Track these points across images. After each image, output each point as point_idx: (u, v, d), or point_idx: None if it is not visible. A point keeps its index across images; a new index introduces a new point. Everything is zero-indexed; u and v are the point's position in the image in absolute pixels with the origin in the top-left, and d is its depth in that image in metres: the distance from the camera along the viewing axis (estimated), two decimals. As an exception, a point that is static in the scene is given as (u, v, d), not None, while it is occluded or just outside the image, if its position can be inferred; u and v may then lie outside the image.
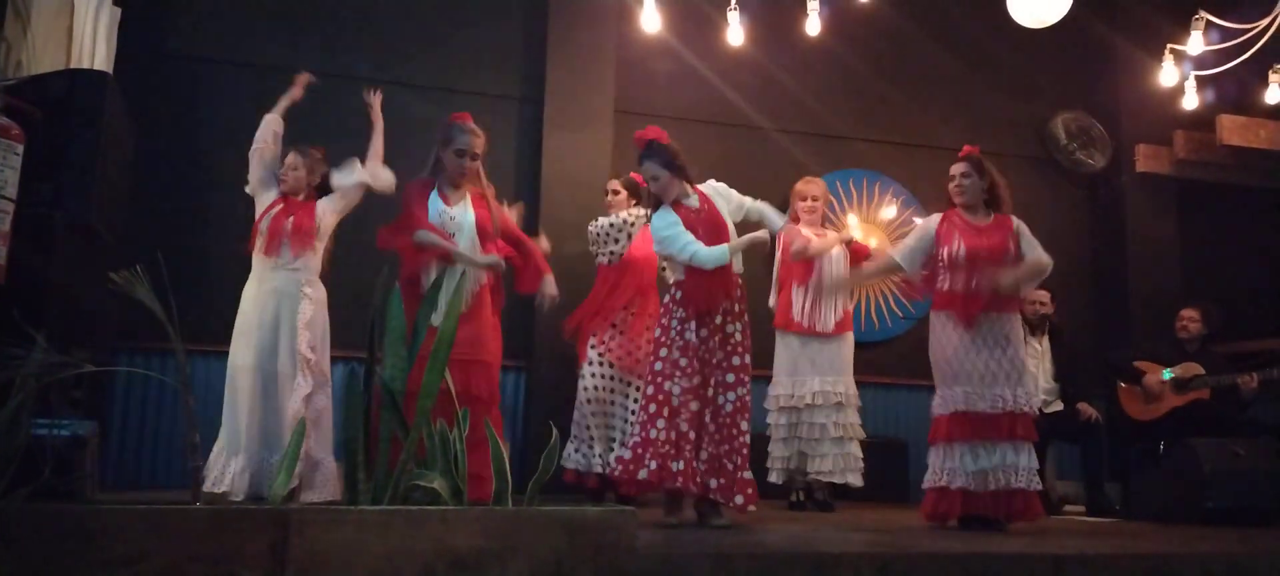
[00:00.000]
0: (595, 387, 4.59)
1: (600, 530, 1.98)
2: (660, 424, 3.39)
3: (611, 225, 4.65)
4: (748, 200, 3.74)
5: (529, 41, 6.03)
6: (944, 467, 3.77)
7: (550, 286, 3.85)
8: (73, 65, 4.37)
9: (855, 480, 4.53)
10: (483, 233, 3.64)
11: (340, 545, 1.80)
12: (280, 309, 3.95)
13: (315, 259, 4.09)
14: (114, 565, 1.69)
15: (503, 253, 3.74)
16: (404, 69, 5.78)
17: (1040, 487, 3.77)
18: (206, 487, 3.80)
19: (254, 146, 4.13)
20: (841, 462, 4.50)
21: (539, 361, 5.49)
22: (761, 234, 3.57)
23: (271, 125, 4.16)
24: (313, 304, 3.99)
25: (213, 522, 1.76)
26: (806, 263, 4.58)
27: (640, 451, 3.39)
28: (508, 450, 2.37)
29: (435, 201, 3.63)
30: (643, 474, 3.36)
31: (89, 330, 3.93)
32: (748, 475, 3.46)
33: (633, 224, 4.63)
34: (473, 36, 5.97)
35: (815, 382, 4.49)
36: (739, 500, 3.40)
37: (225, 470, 3.78)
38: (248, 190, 4.15)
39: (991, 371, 3.76)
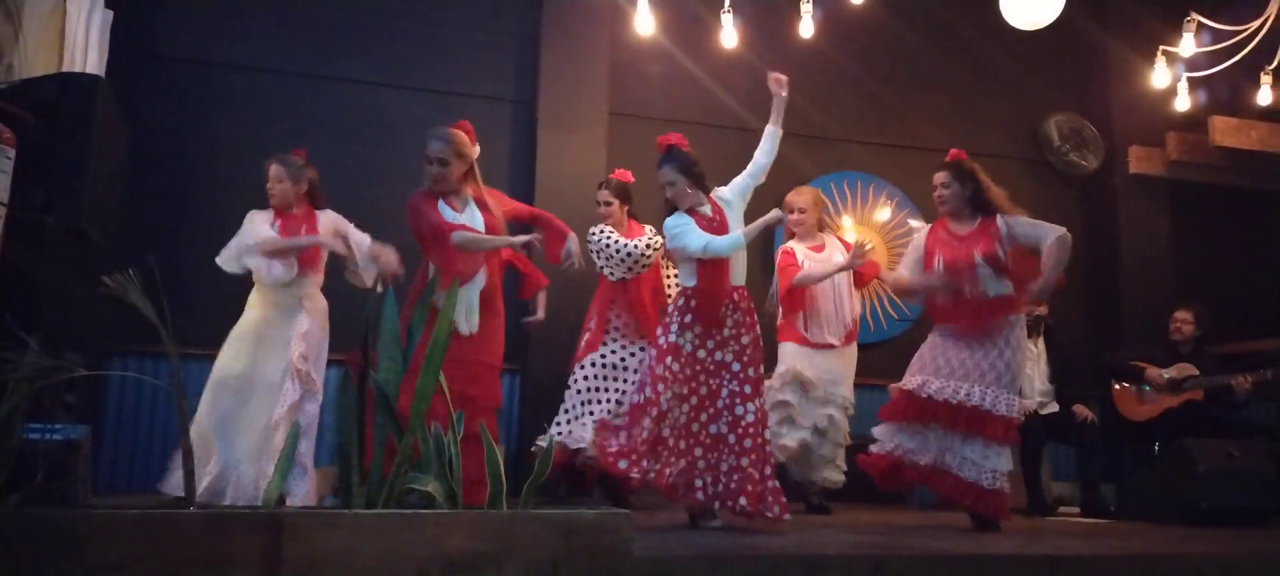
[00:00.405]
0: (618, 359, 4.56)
1: (595, 532, 1.98)
2: (646, 424, 3.39)
3: (629, 254, 4.51)
4: (746, 175, 3.70)
5: (522, 43, 6.03)
6: (886, 435, 3.88)
7: (575, 244, 3.88)
8: (65, 68, 4.36)
9: (834, 477, 4.58)
10: (493, 236, 3.68)
11: (334, 549, 1.80)
12: (278, 320, 3.97)
13: (318, 275, 4.11)
14: (107, 570, 1.68)
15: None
16: (396, 71, 5.77)
17: (1000, 488, 3.73)
18: (165, 490, 3.82)
19: (236, 258, 4.00)
20: (829, 458, 4.55)
21: (533, 363, 5.48)
22: (774, 215, 3.59)
23: (253, 255, 3.99)
24: (309, 316, 4.00)
25: (206, 526, 1.76)
26: (805, 288, 4.59)
27: (625, 446, 3.42)
28: (503, 453, 2.37)
29: (444, 210, 3.63)
30: (626, 466, 3.38)
31: (82, 334, 3.92)
32: (776, 483, 3.45)
33: (648, 256, 4.55)
34: (466, 38, 5.96)
35: (812, 375, 4.51)
36: (776, 510, 3.38)
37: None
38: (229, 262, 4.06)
39: (965, 368, 3.77)
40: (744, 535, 3.23)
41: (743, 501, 3.35)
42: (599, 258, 4.61)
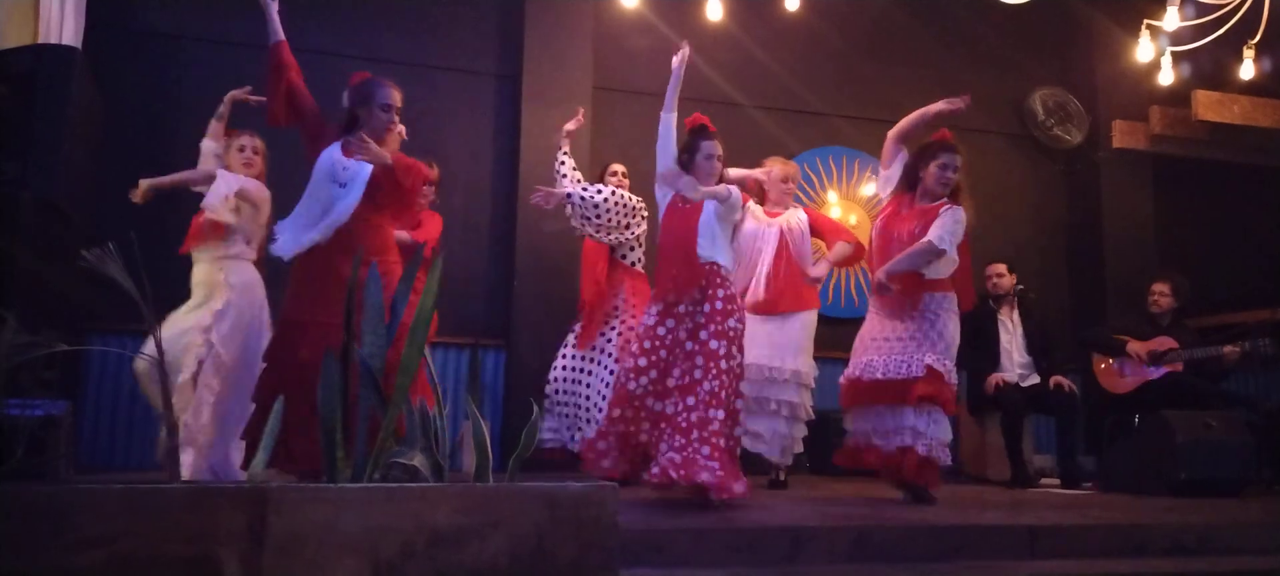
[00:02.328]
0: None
1: (581, 505, 1.98)
2: (614, 413, 3.47)
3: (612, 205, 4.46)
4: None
5: (506, 17, 5.97)
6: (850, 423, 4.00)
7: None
8: (40, 40, 4.29)
9: (778, 457, 4.40)
10: (375, 182, 3.36)
11: (319, 523, 1.79)
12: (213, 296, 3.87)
13: (234, 245, 3.93)
14: (88, 544, 1.67)
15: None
16: (378, 45, 5.71)
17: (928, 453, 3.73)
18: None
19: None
20: (775, 441, 4.37)
21: (518, 340, 5.47)
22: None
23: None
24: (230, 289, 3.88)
25: (189, 501, 1.74)
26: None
27: (601, 438, 3.47)
28: (488, 427, 2.37)
29: (334, 150, 3.38)
30: (606, 463, 3.45)
31: (60, 310, 3.88)
32: (713, 463, 3.25)
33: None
34: (448, 11, 5.90)
35: (752, 355, 4.27)
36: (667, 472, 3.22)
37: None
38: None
39: (890, 341, 3.83)
40: (727, 509, 3.24)
41: (687, 472, 3.23)
42: (602, 221, 4.45)
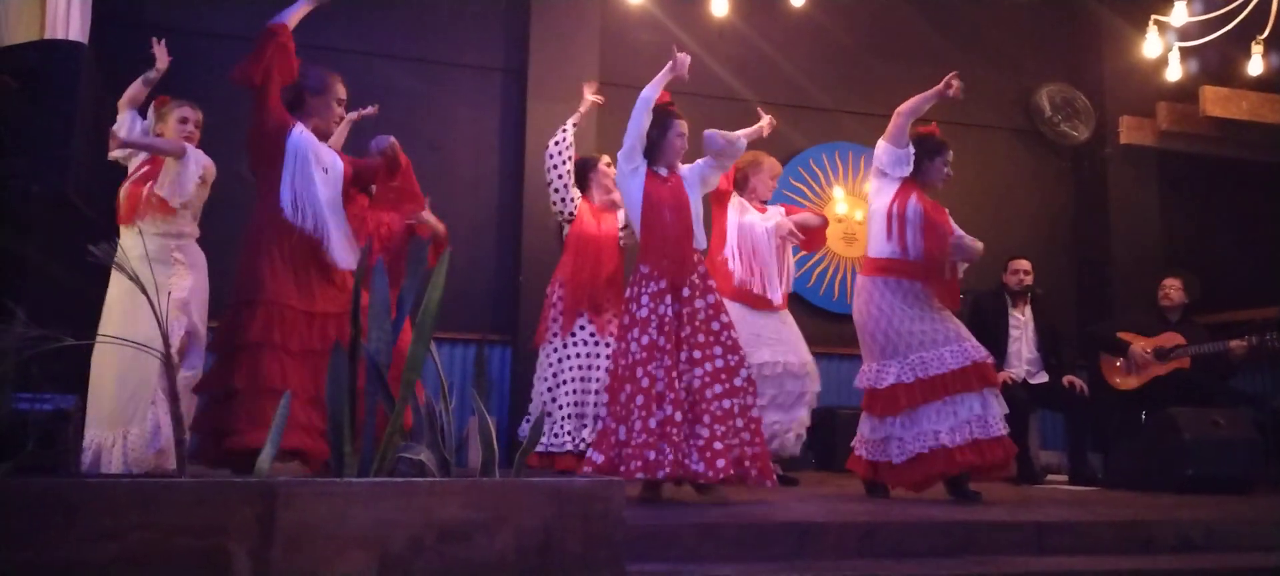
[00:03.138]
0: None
1: (588, 500, 1.99)
2: (641, 414, 3.26)
3: None
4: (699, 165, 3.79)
5: (511, 11, 5.97)
6: (906, 429, 3.71)
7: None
8: (47, 35, 4.29)
9: (793, 447, 4.45)
10: (349, 181, 3.46)
11: (328, 517, 1.80)
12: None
13: (186, 223, 3.88)
14: (98, 538, 1.67)
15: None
16: (384, 40, 5.71)
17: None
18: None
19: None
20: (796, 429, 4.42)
21: (524, 336, 5.47)
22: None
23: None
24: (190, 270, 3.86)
25: (198, 495, 1.75)
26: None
27: (625, 445, 3.25)
28: (494, 423, 2.38)
29: (306, 133, 3.42)
30: (626, 466, 3.22)
31: (70, 304, 3.89)
32: (747, 450, 3.33)
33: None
34: (454, 6, 5.90)
35: (765, 354, 4.36)
36: (717, 464, 3.22)
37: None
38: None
39: (950, 328, 3.78)
40: (734, 504, 3.25)
41: (718, 463, 3.23)
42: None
